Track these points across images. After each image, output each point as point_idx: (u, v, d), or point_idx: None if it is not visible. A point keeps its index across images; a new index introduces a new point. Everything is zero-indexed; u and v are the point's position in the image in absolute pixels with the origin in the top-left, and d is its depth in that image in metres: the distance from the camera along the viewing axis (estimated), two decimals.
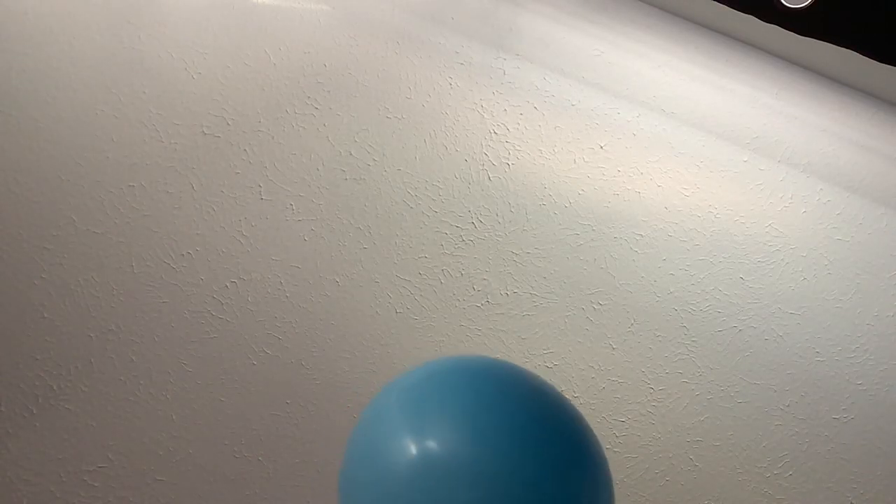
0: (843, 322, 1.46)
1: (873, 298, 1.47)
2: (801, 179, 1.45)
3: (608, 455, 0.68)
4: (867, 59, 1.23)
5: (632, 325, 1.38)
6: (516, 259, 1.35)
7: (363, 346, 1.28)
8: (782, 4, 1.15)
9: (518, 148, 1.36)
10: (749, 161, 1.44)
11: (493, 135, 1.35)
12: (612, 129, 1.39)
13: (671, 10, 1.43)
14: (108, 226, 1.18)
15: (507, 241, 1.35)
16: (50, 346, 1.15)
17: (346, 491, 0.63)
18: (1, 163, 1.15)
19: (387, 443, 0.61)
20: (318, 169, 1.28)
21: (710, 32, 1.44)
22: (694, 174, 1.42)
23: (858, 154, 1.48)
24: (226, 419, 1.22)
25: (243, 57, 1.26)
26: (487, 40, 1.36)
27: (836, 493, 1.45)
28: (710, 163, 1.43)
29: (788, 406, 1.43)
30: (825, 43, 1.22)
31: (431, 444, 0.58)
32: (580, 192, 1.38)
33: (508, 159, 1.35)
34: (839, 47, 1.23)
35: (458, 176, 1.33)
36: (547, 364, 1.35)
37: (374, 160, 1.30)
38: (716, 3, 1.25)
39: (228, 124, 1.24)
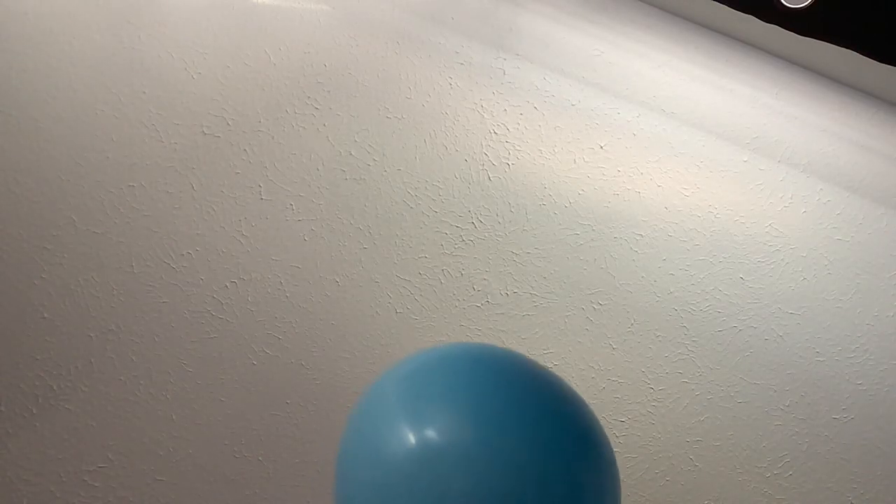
0: (843, 322, 1.46)
1: (873, 298, 1.47)
2: (801, 179, 1.45)
3: None
4: (867, 59, 1.23)
5: (632, 325, 1.38)
6: (516, 259, 1.35)
7: (363, 346, 1.28)
8: (782, 4, 1.15)
9: (518, 148, 1.36)
10: (749, 161, 1.44)
11: (493, 135, 1.35)
12: (612, 129, 1.39)
13: (671, 10, 1.43)
14: (108, 226, 1.18)
15: (507, 241, 1.35)
16: (50, 346, 1.15)
17: (343, 472, 0.62)
18: (1, 163, 1.15)
19: (384, 427, 0.59)
20: (318, 169, 1.28)
21: (710, 32, 1.44)
22: (694, 174, 1.42)
23: (858, 154, 1.48)
24: (226, 419, 1.22)
25: (243, 57, 1.26)
26: (487, 40, 1.36)
27: (836, 493, 1.45)
28: (710, 163, 1.43)
29: (788, 406, 1.43)
30: (825, 43, 1.22)
31: (429, 431, 0.57)
32: (580, 192, 1.38)
33: (508, 159, 1.35)
34: (839, 47, 1.23)
35: (458, 176, 1.33)
36: (547, 364, 1.35)
37: (374, 160, 1.30)
38: (716, 3, 1.25)
39: (228, 124, 1.24)
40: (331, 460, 1.23)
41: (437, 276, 1.32)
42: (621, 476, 1.36)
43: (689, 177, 1.42)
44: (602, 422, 1.40)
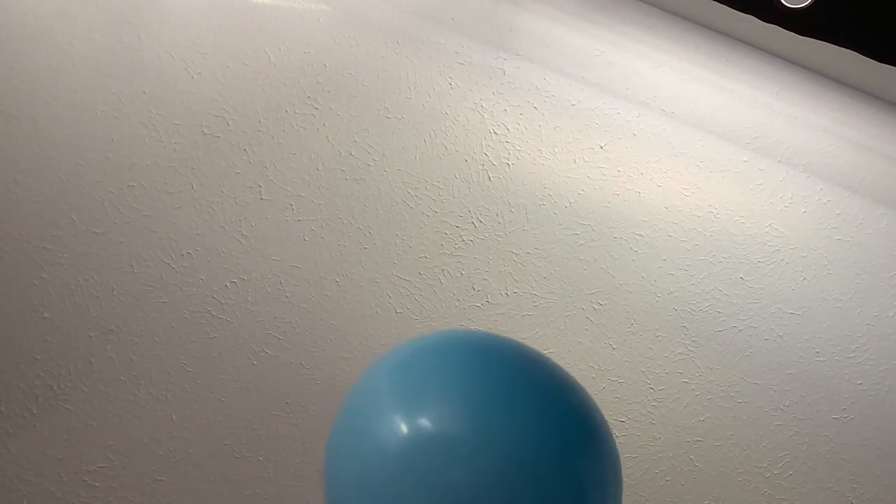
0: (843, 322, 1.46)
1: (873, 298, 1.47)
2: (801, 179, 1.45)
3: None
4: (867, 59, 1.23)
5: (632, 325, 1.38)
6: (516, 259, 1.35)
7: (363, 346, 1.28)
8: (782, 4, 1.15)
9: (518, 148, 1.36)
10: (749, 161, 1.44)
11: (493, 135, 1.35)
12: (612, 129, 1.39)
13: (671, 10, 1.42)
14: (108, 226, 1.18)
15: (507, 241, 1.35)
16: (50, 346, 1.15)
17: (332, 464, 0.60)
18: (1, 163, 1.15)
19: (376, 416, 0.57)
20: (318, 169, 1.28)
21: (710, 32, 1.44)
22: (694, 174, 1.42)
23: (858, 154, 1.48)
24: (226, 419, 1.22)
25: (243, 57, 1.26)
26: (487, 40, 1.36)
27: (836, 493, 1.45)
28: (710, 163, 1.43)
29: (788, 406, 1.43)
30: (825, 43, 1.22)
31: (423, 420, 0.55)
32: (580, 192, 1.38)
33: (508, 159, 1.35)
34: (839, 47, 1.23)
35: (458, 176, 1.33)
36: None
37: (374, 160, 1.30)
38: (716, 3, 1.25)
39: (228, 124, 1.24)
40: None
41: (437, 276, 1.32)
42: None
43: (689, 177, 1.42)
44: None
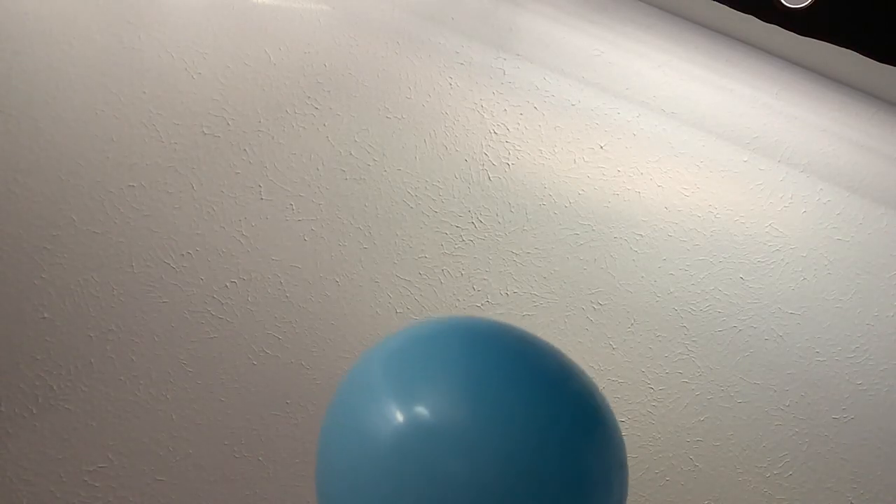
0: (843, 322, 1.46)
1: (873, 298, 1.47)
2: (801, 179, 1.45)
3: None
4: (867, 59, 1.23)
5: (632, 325, 1.38)
6: (516, 259, 1.35)
7: (363, 346, 1.28)
8: (782, 4, 1.15)
9: (518, 148, 1.36)
10: (749, 161, 1.44)
11: (493, 135, 1.35)
12: (612, 129, 1.39)
13: (671, 10, 1.42)
14: (108, 226, 1.18)
15: (507, 241, 1.35)
16: (50, 346, 1.15)
17: (325, 456, 0.56)
18: (1, 163, 1.15)
19: (370, 405, 0.53)
20: (318, 169, 1.28)
21: (710, 32, 1.44)
22: (694, 174, 1.42)
23: (858, 154, 1.48)
24: (226, 419, 1.22)
25: (243, 57, 1.26)
26: (487, 40, 1.36)
27: (836, 493, 1.44)
28: (710, 163, 1.43)
29: (788, 406, 1.43)
30: (825, 43, 1.22)
31: (420, 409, 0.51)
32: (580, 192, 1.38)
33: (508, 159, 1.35)
34: (839, 47, 1.23)
35: (458, 176, 1.33)
36: None
37: (374, 160, 1.30)
38: (716, 3, 1.25)
39: (228, 124, 1.24)
40: None
41: (437, 276, 1.32)
42: None
43: (689, 177, 1.42)
44: None
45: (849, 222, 1.47)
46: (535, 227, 1.36)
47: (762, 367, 1.43)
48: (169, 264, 1.20)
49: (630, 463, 1.39)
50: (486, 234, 1.34)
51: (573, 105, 1.38)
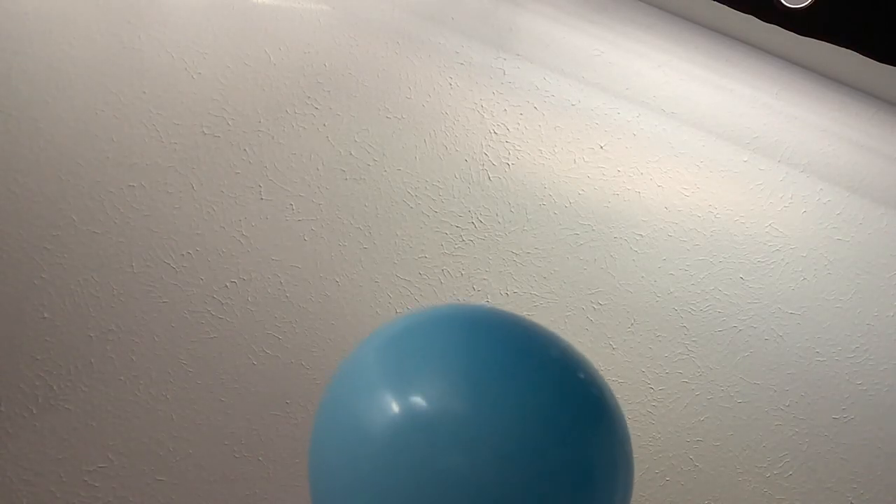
0: (843, 322, 1.46)
1: (873, 298, 1.47)
2: (801, 179, 1.45)
3: None
4: (867, 59, 1.23)
5: (632, 325, 1.38)
6: (516, 259, 1.35)
7: None
8: (782, 4, 1.15)
9: (518, 148, 1.36)
10: (749, 161, 1.44)
11: (493, 135, 1.35)
12: (612, 129, 1.39)
13: (671, 10, 1.42)
14: (108, 226, 1.18)
15: (507, 241, 1.35)
16: (50, 346, 1.15)
17: (318, 447, 0.53)
18: (1, 163, 1.15)
19: (364, 397, 0.50)
20: (318, 169, 1.28)
21: (710, 32, 1.44)
22: (694, 174, 1.42)
23: (858, 154, 1.48)
24: (226, 419, 1.22)
25: (243, 57, 1.26)
26: (487, 40, 1.36)
27: (836, 493, 1.44)
28: (710, 163, 1.43)
29: (788, 406, 1.43)
30: (825, 43, 1.22)
31: (416, 400, 0.48)
32: (580, 192, 1.38)
33: (508, 159, 1.35)
34: (839, 47, 1.23)
35: (458, 176, 1.33)
36: None
37: (374, 160, 1.30)
38: (716, 3, 1.25)
39: (228, 124, 1.24)
40: None
41: (437, 276, 1.32)
42: None
43: (689, 177, 1.42)
44: None
45: (849, 222, 1.47)
46: (535, 227, 1.36)
47: (762, 367, 1.43)
48: (169, 264, 1.20)
49: None
50: (486, 234, 1.34)
51: (573, 105, 1.38)
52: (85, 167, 1.18)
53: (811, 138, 1.47)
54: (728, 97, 1.44)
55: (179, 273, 1.21)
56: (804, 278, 1.45)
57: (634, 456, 1.47)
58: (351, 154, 1.29)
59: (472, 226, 1.34)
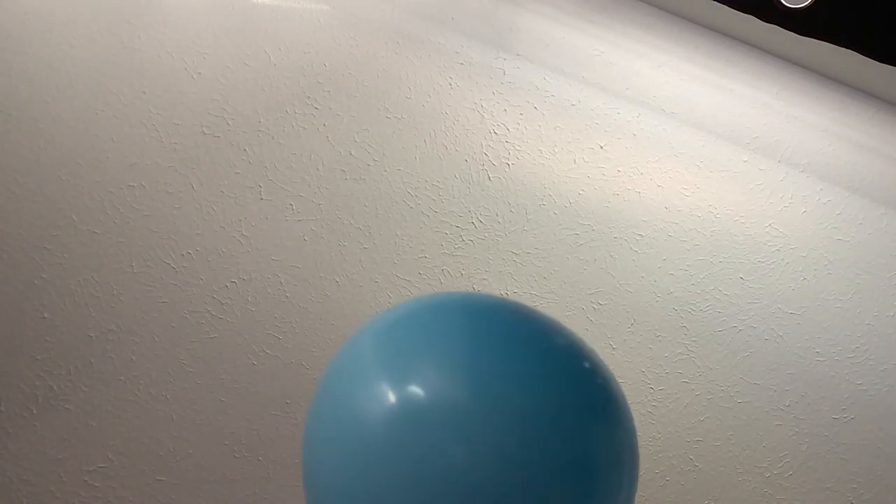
0: (843, 322, 1.46)
1: (873, 298, 1.47)
2: (801, 179, 1.45)
3: None
4: (867, 59, 1.23)
5: (632, 325, 1.38)
6: (516, 259, 1.35)
7: None
8: (782, 4, 1.15)
9: (518, 148, 1.36)
10: (749, 161, 1.44)
11: (493, 135, 1.35)
12: (612, 129, 1.39)
13: (671, 10, 1.42)
14: (108, 226, 1.18)
15: (507, 241, 1.35)
16: (50, 346, 1.15)
17: (311, 439, 0.51)
18: (1, 163, 1.15)
19: (360, 386, 0.48)
20: (318, 169, 1.28)
21: (710, 32, 1.44)
22: (694, 174, 1.42)
23: (858, 154, 1.48)
24: (226, 419, 1.22)
25: (243, 57, 1.26)
26: (487, 40, 1.36)
27: (836, 493, 1.45)
28: (710, 163, 1.43)
29: (788, 406, 1.43)
30: (825, 43, 1.22)
31: (414, 389, 0.46)
32: (580, 192, 1.38)
33: (508, 159, 1.35)
34: (839, 47, 1.23)
35: (458, 176, 1.33)
36: None
37: (374, 160, 1.30)
38: (716, 3, 1.25)
39: (228, 124, 1.24)
40: None
41: (437, 276, 1.32)
42: None
43: (689, 177, 1.42)
44: None
45: (849, 222, 1.47)
46: (535, 227, 1.36)
47: (762, 367, 1.43)
48: (169, 264, 1.20)
49: None
50: (486, 234, 1.34)
51: (573, 105, 1.38)
52: (85, 167, 1.18)
53: (811, 138, 1.47)
54: (728, 97, 1.44)
55: (179, 273, 1.21)
56: (804, 278, 1.45)
57: None
58: (351, 154, 1.29)
59: (472, 226, 1.34)
